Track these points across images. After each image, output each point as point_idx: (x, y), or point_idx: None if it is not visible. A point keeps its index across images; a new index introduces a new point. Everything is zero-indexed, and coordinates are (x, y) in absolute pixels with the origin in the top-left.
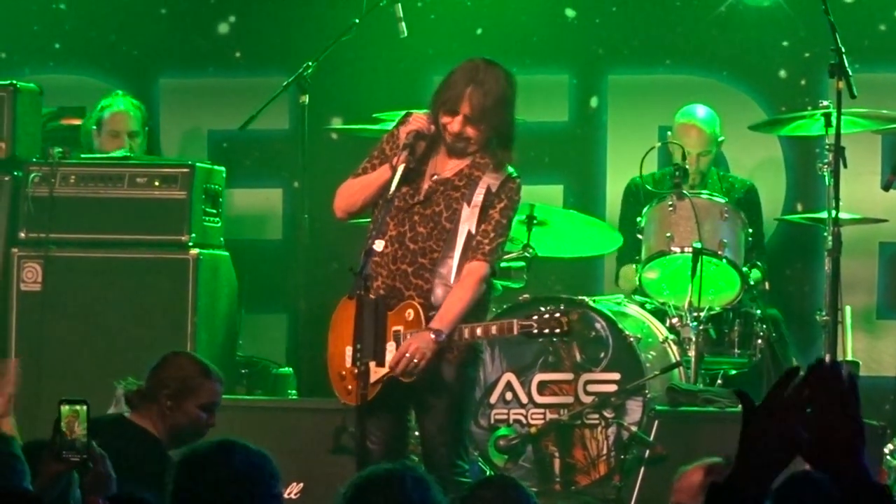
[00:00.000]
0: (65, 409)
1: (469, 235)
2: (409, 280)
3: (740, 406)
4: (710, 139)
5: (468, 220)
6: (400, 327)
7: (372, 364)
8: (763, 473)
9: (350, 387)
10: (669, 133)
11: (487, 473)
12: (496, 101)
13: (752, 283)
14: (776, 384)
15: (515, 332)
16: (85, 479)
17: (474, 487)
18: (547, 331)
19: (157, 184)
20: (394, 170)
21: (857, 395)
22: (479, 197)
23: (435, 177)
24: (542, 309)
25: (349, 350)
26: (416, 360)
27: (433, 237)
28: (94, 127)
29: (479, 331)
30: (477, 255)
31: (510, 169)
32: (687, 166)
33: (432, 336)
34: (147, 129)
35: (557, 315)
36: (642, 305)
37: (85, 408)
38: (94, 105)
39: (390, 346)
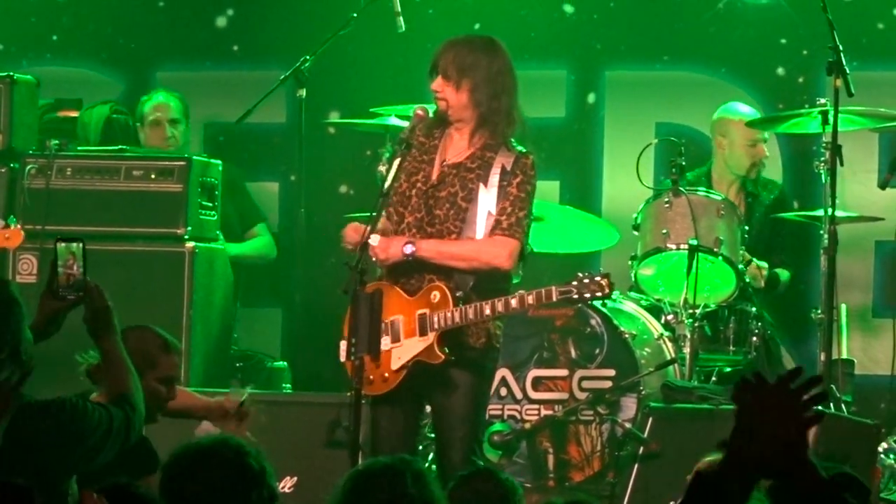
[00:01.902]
0: (61, 247)
1: (489, 217)
2: (429, 263)
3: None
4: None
5: (487, 202)
6: (426, 310)
7: (397, 349)
8: (753, 470)
9: (372, 377)
10: (722, 139)
11: None
12: (469, 60)
13: (783, 282)
14: (779, 383)
15: (555, 298)
16: (85, 314)
17: (454, 486)
18: (588, 295)
19: (153, 177)
20: (389, 166)
21: (790, 395)
22: (494, 177)
23: (445, 162)
24: (581, 274)
25: (343, 344)
26: (376, 258)
27: (450, 218)
28: (138, 123)
29: (514, 302)
30: (496, 231)
31: (521, 147)
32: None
33: (403, 248)
34: (189, 119)
35: (598, 278)
36: (638, 302)
37: (81, 245)
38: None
39: (385, 340)
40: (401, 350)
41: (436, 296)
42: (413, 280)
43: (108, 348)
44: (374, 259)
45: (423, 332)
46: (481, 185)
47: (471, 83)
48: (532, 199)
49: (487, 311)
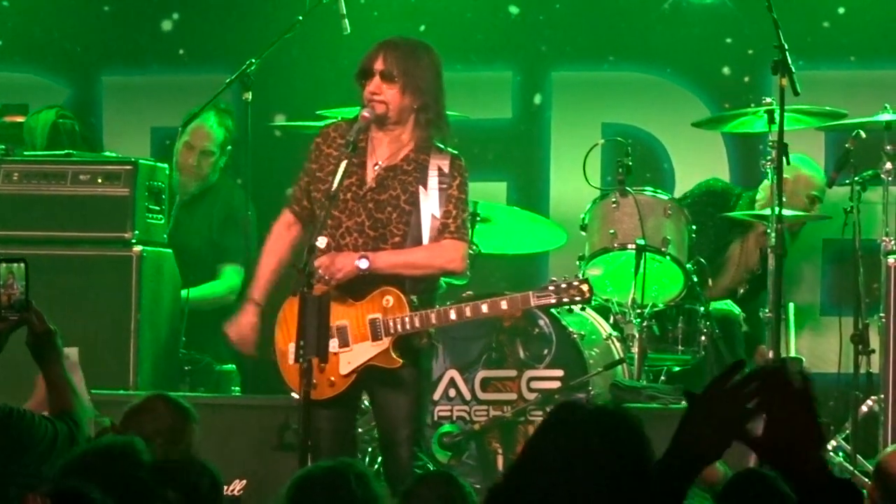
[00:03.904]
0: (1, 268)
1: (434, 220)
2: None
3: (685, 403)
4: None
5: (429, 205)
6: (378, 315)
7: (345, 355)
8: (692, 465)
9: (315, 381)
10: (786, 178)
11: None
12: (411, 61)
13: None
14: (720, 376)
15: (532, 304)
16: (27, 338)
17: (412, 485)
18: (567, 300)
19: (100, 181)
20: (336, 167)
21: (813, 393)
22: (433, 180)
23: (378, 165)
24: (556, 279)
25: (292, 346)
26: (329, 276)
27: (393, 221)
28: (179, 127)
29: (484, 307)
30: (445, 234)
31: (450, 149)
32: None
33: (357, 263)
34: (230, 148)
35: (576, 283)
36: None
37: (23, 266)
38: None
39: (333, 343)
40: (351, 355)
41: (389, 300)
42: (359, 285)
43: (51, 371)
44: (321, 278)
45: (376, 337)
46: (421, 188)
47: (415, 85)
48: (468, 199)
49: (453, 317)
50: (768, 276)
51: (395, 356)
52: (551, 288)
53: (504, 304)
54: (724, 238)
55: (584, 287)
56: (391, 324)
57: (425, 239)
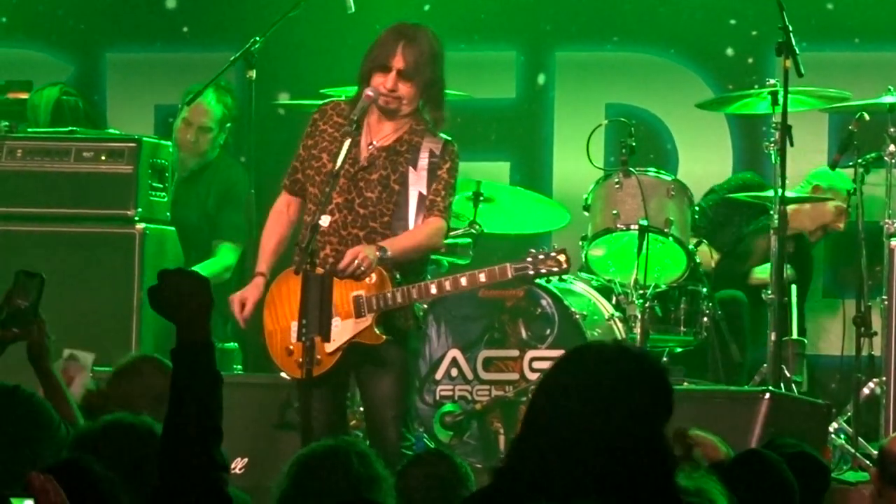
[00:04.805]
0: (20, 276)
1: (421, 197)
2: (361, 244)
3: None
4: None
5: (417, 184)
6: (361, 291)
7: (332, 329)
8: None
9: (301, 359)
10: (821, 186)
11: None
12: (427, 57)
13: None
14: None
15: (510, 275)
16: (29, 344)
17: (407, 464)
18: (544, 270)
19: (103, 158)
20: (331, 145)
21: None
22: (424, 161)
23: (372, 145)
24: (534, 250)
25: (294, 325)
26: (360, 266)
27: (382, 201)
28: (179, 105)
29: (463, 280)
30: (433, 211)
31: (443, 134)
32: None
33: (378, 252)
34: (229, 125)
35: (554, 254)
36: (588, 283)
37: (38, 280)
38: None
39: (336, 322)
40: (336, 332)
41: (372, 277)
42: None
43: (48, 382)
44: (354, 272)
45: (359, 314)
46: (411, 168)
47: (428, 80)
48: (456, 184)
49: (434, 290)
50: (785, 265)
51: (378, 332)
52: (529, 259)
53: (482, 276)
54: (752, 232)
55: (562, 257)
56: (374, 300)
57: (411, 217)
